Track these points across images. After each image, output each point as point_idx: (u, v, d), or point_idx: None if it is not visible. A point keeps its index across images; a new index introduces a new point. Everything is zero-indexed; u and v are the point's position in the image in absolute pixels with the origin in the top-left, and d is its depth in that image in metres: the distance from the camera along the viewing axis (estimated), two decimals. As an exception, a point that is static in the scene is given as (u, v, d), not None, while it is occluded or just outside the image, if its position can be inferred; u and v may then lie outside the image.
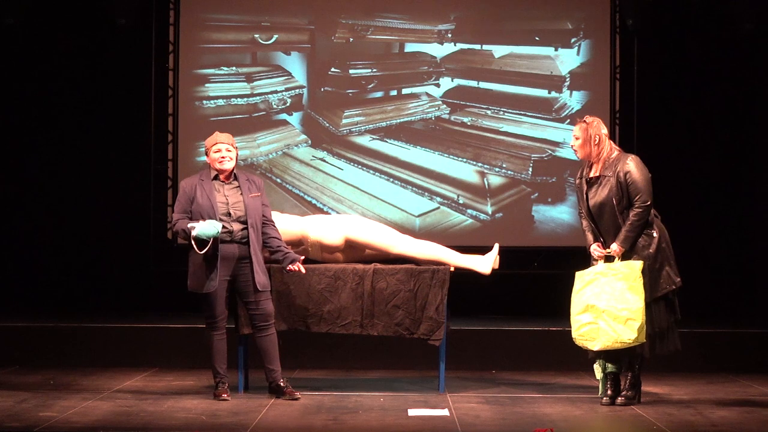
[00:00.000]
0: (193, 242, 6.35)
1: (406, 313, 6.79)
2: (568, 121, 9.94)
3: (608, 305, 6.16)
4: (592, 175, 6.36)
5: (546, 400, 6.62)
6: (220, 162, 6.53)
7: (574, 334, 6.32)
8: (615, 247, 6.26)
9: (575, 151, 6.41)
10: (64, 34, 9.84)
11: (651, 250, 6.24)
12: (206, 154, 6.59)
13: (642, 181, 6.23)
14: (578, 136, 6.36)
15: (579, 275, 6.35)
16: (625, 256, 6.26)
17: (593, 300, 6.20)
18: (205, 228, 6.33)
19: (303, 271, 6.59)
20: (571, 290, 6.40)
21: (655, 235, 6.28)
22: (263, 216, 6.59)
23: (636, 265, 6.21)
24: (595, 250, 6.34)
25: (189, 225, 6.36)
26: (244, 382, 6.84)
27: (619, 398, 6.36)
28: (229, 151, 6.55)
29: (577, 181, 6.49)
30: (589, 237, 6.40)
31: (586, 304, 6.23)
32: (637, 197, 6.22)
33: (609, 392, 6.39)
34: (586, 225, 6.43)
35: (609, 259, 6.30)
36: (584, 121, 6.39)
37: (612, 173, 6.27)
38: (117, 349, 8.04)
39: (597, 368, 6.41)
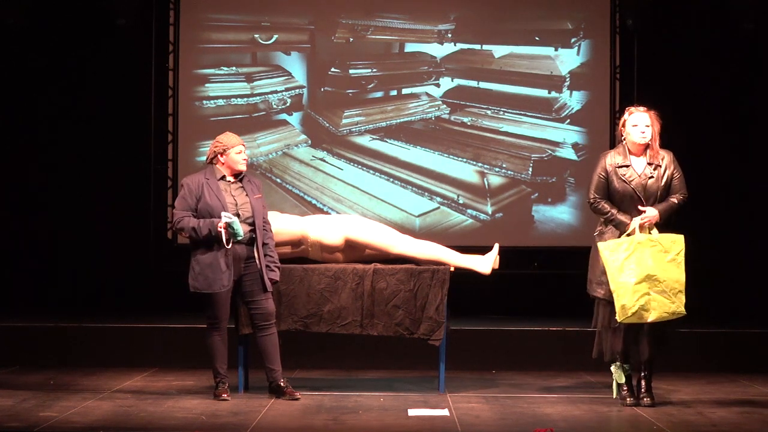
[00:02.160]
0: (223, 232, 6.32)
1: (406, 313, 6.79)
2: (568, 121, 9.95)
3: (666, 276, 6.15)
4: (637, 162, 6.37)
5: (546, 400, 6.62)
6: (243, 163, 6.55)
7: (634, 305, 6.12)
8: (654, 212, 6.26)
9: (643, 135, 6.36)
10: (64, 34, 9.84)
11: None
12: (221, 153, 6.54)
13: (683, 177, 6.42)
14: (650, 125, 6.38)
15: (615, 244, 6.20)
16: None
17: (652, 270, 6.14)
18: (237, 224, 6.33)
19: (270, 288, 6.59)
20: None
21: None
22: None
23: (679, 239, 6.22)
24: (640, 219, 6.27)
25: (224, 214, 6.33)
26: (244, 382, 6.84)
27: (646, 399, 6.35)
28: (246, 152, 6.61)
29: (610, 168, 6.37)
30: (622, 216, 6.31)
31: (645, 273, 6.13)
32: (681, 191, 6.37)
33: (627, 392, 6.37)
34: (610, 207, 6.34)
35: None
36: (653, 111, 6.43)
37: (661, 162, 6.36)
38: (117, 349, 8.03)
39: (617, 370, 6.37)
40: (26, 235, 9.82)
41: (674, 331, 6.39)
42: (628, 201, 6.35)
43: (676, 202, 6.35)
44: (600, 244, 6.30)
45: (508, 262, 7.52)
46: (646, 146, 6.40)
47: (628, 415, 6.13)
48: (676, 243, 6.23)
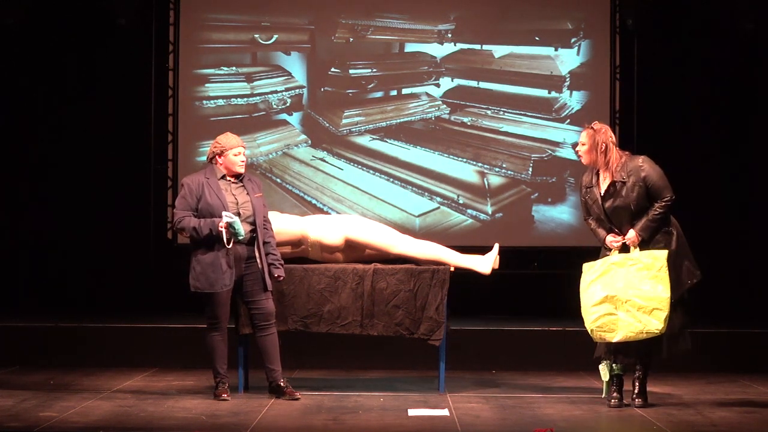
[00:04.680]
0: (223, 231, 6.32)
1: (406, 313, 6.79)
2: (568, 121, 9.95)
3: (631, 295, 6.09)
4: (603, 181, 6.30)
5: (546, 400, 6.62)
6: (241, 165, 6.53)
7: (590, 326, 6.18)
8: (632, 235, 6.21)
9: (579, 156, 6.37)
10: (64, 34, 9.84)
11: (672, 247, 6.22)
12: (220, 154, 6.52)
13: (661, 179, 6.25)
14: (584, 142, 6.30)
15: (589, 266, 6.26)
16: (641, 249, 6.23)
17: (613, 290, 6.12)
18: (239, 224, 6.32)
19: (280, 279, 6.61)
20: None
21: (673, 231, 6.28)
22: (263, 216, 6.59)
23: (660, 255, 6.14)
24: (613, 239, 6.25)
25: (225, 214, 6.32)
26: (244, 382, 6.84)
27: (638, 400, 6.33)
28: (245, 154, 6.59)
29: (584, 189, 6.38)
30: (601, 231, 6.33)
31: (605, 294, 6.13)
32: (663, 195, 6.23)
33: (614, 394, 6.34)
34: (595, 223, 6.37)
35: (623, 250, 6.24)
36: (591, 127, 6.33)
37: (626, 177, 6.23)
38: (117, 349, 8.03)
39: (603, 369, 6.34)
40: (26, 235, 9.82)
41: (688, 332, 6.35)
42: (600, 219, 6.34)
43: (657, 213, 6.21)
44: (584, 266, 6.31)
45: (508, 262, 7.52)
46: (606, 163, 6.26)
47: (628, 415, 6.13)
48: (657, 259, 6.14)
